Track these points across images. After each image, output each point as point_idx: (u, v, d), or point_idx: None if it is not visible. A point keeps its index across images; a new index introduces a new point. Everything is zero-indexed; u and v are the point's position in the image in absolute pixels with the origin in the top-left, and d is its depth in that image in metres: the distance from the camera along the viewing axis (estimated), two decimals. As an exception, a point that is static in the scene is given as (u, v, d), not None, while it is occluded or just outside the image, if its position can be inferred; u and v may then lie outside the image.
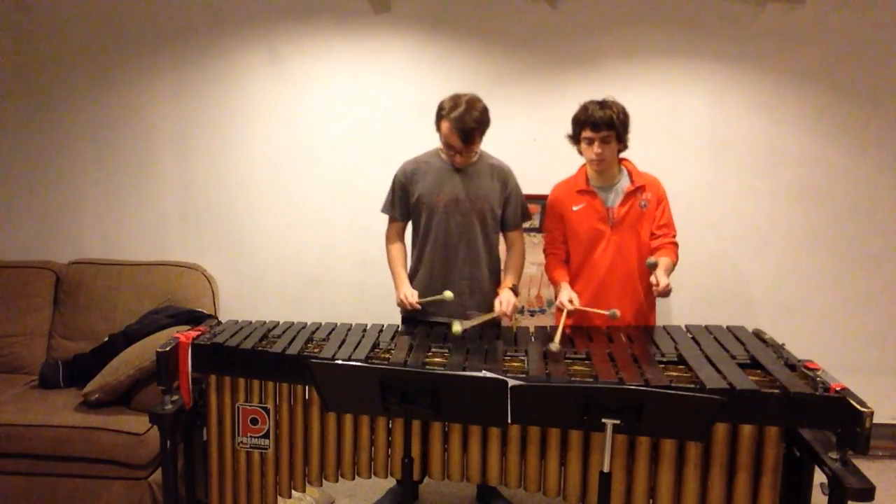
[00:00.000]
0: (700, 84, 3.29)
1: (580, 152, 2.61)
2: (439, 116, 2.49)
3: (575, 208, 2.62)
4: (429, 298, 2.55)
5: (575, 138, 2.58)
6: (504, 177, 2.64)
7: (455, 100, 2.45)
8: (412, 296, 2.54)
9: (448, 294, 2.52)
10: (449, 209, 2.58)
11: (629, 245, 2.60)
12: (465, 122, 2.41)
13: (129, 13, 3.40)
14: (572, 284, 2.61)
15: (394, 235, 2.75)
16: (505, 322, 2.62)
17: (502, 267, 2.74)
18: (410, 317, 2.64)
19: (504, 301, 2.50)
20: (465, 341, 2.36)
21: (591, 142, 2.50)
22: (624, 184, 2.61)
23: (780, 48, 3.23)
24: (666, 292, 2.43)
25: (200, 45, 3.41)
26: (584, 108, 2.51)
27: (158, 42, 3.42)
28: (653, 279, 2.43)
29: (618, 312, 2.41)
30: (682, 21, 3.25)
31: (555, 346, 2.21)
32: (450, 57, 3.35)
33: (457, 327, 2.37)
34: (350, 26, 3.35)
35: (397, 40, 3.35)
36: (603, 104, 2.49)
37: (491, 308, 2.62)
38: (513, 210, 2.67)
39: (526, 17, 3.30)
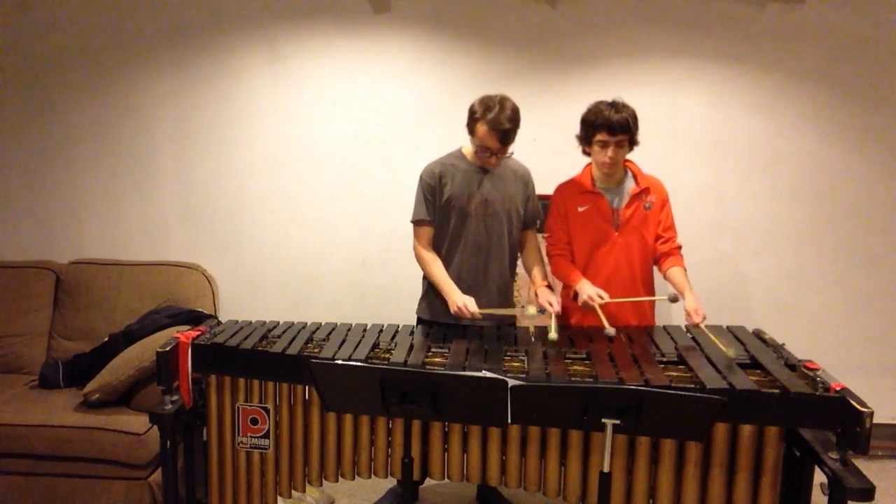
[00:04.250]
0: (700, 84, 3.29)
1: (586, 153, 2.60)
2: (473, 120, 2.47)
3: (580, 209, 2.61)
4: (496, 311, 2.47)
5: (586, 140, 2.55)
6: (525, 178, 2.66)
7: (487, 102, 2.44)
8: (472, 304, 2.47)
9: (531, 310, 2.44)
10: (479, 211, 2.57)
11: (633, 247, 2.60)
12: (501, 122, 2.40)
13: (129, 13, 3.40)
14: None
15: (426, 243, 2.64)
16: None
17: (525, 266, 2.75)
18: (425, 318, 2.67)
19: (553, 301, 2.48)
20: (466, 341, 2.36)
21: (605, 145, 2.47)
22: (629, 185, 2.61)
23: (780, 48, 3.23)
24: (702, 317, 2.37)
25: (200, 45, 3.41)
26: (598, 111, 2.47)
27: (158, 42, 3.42)
28: (690, 309, 2.37)
29: (678, 295, 2.44)
30: (682, 21, 3.25)
31: (610, 330, 2.32)
32: (450, 57, 3.35)
33: (531, 310, 2.43)
34: (350, 26, 3.35)
35: (397, 40, 3.35)
36: (616, 107, 2.45)
37: (511, 306, 2.62)
38: (531, 210, 2.69)
39: (526, 17, 3.30)
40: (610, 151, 2.47)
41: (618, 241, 2.59)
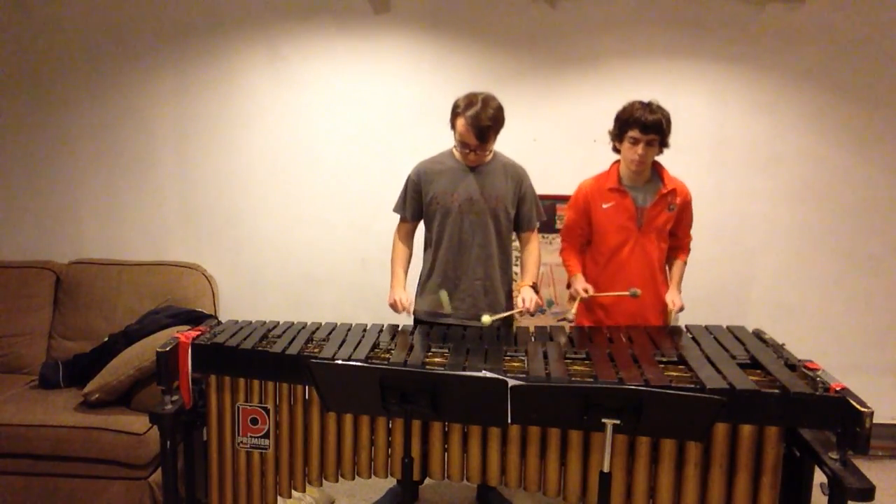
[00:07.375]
0: (700, 84, 3.29)
1: (616, 150, 2.62)
2: (454, 114, 2.48)
3: (605, 206, 2.63)
4: (497, 316, 2.51)
5: (618, 136, 2.57)
6: (518, 177, 2.63)
7: (470, 98, 2.45)
8: (405, 299, 2.55)
9: (444, 296, 2.55)
10: (463, 209, 2.57)
11: (654, 246, 2.63)
12: (480, 119, 2.41)
13: (129, 13, 3.40)
14: (597, 283, 2.63)
15: (402, 236, 2.73)
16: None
17: (518, 267, 2.75)
18: (425, 319, 2.66)
19: (527, 298, 2.51)
20: (466, 341, 2.36)
21: (636, 142, 2.50)
22: (656, 186, 2.63)
23: (780, 48, 3.24)
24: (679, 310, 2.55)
25: (200, 45, 3.41)
26: (633, 108, 2.50)
27: (158, 42, 3.42)
28: (668, 302, 2.58)
29: (638, 291, 2.50)
30: (682, 21, 3.25)
31: (571, 314, 2.51)
32: (450, 57, 3.35)
33: (486, 318, 2.42)
34: (350, 26, 3.35)
35: (397, 40, 3.36)
36: (651, 107, 2.49)
37: (503, 308, 2.62)
38: (527, 210, 2.67)
39: (526, 17, 3.30)
40: (640, 149, 2.50)
41: (639, 240, 2.61)
